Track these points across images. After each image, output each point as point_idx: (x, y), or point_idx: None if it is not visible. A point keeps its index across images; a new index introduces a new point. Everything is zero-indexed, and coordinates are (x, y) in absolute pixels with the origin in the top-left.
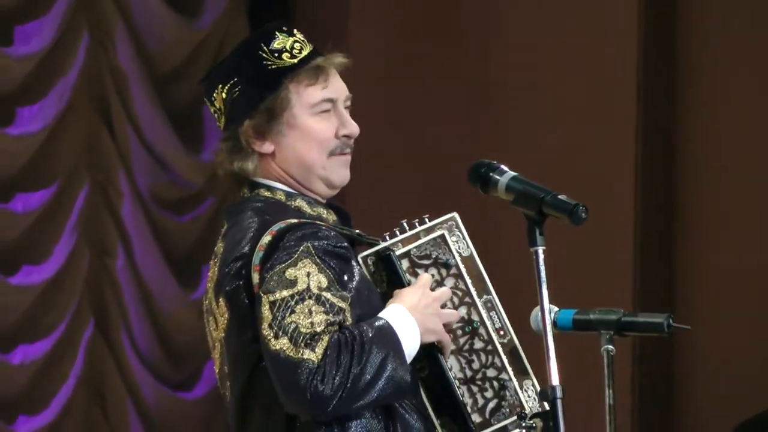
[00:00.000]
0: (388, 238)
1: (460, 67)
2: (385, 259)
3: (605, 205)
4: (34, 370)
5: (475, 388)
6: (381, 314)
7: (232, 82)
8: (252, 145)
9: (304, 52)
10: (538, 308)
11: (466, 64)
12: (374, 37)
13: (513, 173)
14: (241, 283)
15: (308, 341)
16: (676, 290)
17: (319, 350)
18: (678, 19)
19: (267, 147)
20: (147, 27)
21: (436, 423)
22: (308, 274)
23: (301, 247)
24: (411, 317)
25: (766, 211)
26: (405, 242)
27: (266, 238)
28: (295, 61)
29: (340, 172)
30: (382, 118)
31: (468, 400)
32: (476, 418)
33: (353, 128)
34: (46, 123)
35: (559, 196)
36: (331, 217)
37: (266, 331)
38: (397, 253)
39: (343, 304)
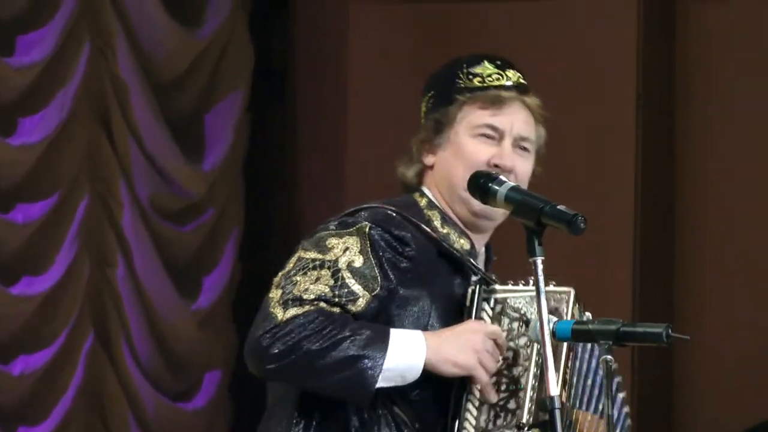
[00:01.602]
0: (511, 284)
1: None
2: (474, 297)
3: (604, 216)
4: (34, 380)
5: None
6: (392, 329)
7: (430, 94)
8: (420, 155)
9: (498, 83)
10: (537, 318)
11: None
12: (376, 48)
13: (512, 183)
14: None
15: (288, 301)
16: (675, 300)
17: (290, 313)
18: (677, 26)
19: (429, 159)
20: (148, 37)
21: None
22: (345, 249)
23: (359, 224)
24: (422, 342)
25: (761, 220)
26: (510, 291)
27: (346, 212)
28: (482, 85)
29: None
30: (380, 126)
31: None
32: None
33: (508, 161)
34: (47, 133)
35: (558, 207)
36: (461, 244)
37: (276, 278)
38: (498, 296)
39: (360, 291)
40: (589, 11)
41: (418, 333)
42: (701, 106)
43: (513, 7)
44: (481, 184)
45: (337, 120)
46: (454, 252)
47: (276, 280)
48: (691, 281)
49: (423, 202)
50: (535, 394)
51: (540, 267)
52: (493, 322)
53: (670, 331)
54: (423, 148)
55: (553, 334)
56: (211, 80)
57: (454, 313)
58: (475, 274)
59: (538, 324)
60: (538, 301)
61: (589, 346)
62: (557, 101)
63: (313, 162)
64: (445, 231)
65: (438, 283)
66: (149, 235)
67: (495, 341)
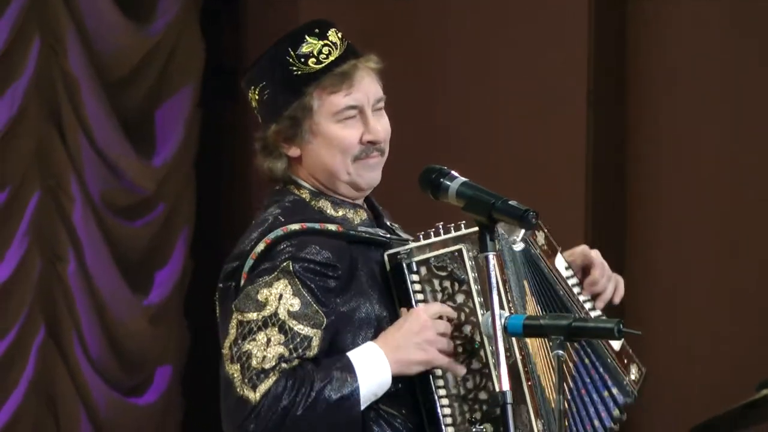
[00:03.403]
0: (422, 238)
1: (412, 71)
2: (398, 268)
3: (556, 212)
4: None
5: (465, 407)
6: (351, 354)
7: (261, 85)
8: (280, 148)
9: (332, 57)
10: (489, 313)
11: (418, 69)
12: None
13: (463, 179)
14: (231, 285)
15: (253, 377)
16: (626, 297)
17: (261, 390)
18: (628, 21)
19: (294, 151)
20: (99, 33)
21: None
22: (280, 297)
23: (282, 265)
24: (383, 356)
25: (710, 217)
26: (431, 248)
27: (260, 247)
28: (320, 67)
29: (366, 176)
30: None
31: (458, 418)
32: None
33: (378, 134)
34: None
35: (510, 202)
36: (359, 217)
37: (226, 350)
38: (418, 258)
39: (311, 332)
40: (540, 7)
41: (375, 348)
42: (653, 102)
43: (466, 2)
44: (433, 179)
45: None
46: (362, 234)
47: (225, 352)
48: (643, 275)
49: (305, 196)
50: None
51: (492, 262)
52: (424, 287)
53: (621, 326)
54: (280, 140)
55: (505, 329)
56: (161, 76)
57: (389, 288)
58: (387, 241)
59: (490, 319)
60: (491, 296)
61: (506, 251)
62: (508, 98)
63: None
64: (341, 214)
65: (364, 274)
66: (100, 230)
67: (443, 317)
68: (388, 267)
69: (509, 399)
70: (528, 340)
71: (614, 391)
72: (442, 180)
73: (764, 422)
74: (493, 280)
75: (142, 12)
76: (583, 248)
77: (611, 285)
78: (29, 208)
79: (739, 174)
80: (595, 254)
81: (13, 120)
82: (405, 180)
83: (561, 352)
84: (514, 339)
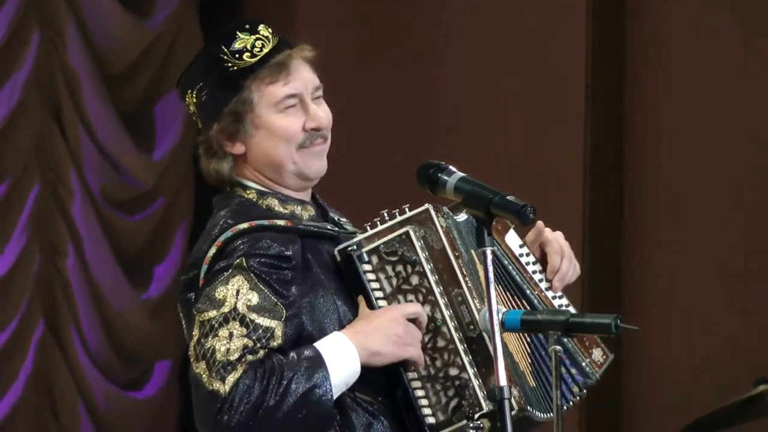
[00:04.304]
0: (369, 228)
1: (411, 69)
2: (349, 261)
3: (553, 208)
4: None
5: (438, 386)
6: (318, 343)
7: (198, 86)
8: (224, 147)
9: (266, 50)
10: (486, 309)
11: (417, 67)
12: (324, 40)
13: (461, 174)
14: (192, 295)
15: (220, 370)
16: (623, 294)
17: (230, 381)
18: (626, 17)
19: (238, 148)
20: (98, 26)
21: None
22: (237, 293)
23: (236, 262)
24: (351, 345)
25: (708, 214)
26: (379, 235)
27: (212, 251)
28: (255, 60)
29: (312, 164)
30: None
31: (432, 398)
32: (440, 416)
33: (320, 120)
34: None
35: (508, 197)
36: (307, 213)
37: (191, 351)
38: (368, 248)
39: (272, 323)
40: (539, 5)
41: (343, 338)
42: (651, 100)
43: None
44: (430, 174)
45: None
46: (311, 228)
47: (191, 353)
48: (641, 274)
49: (251, 196)
50: (464, 345)
51: (489, 258)
52: (378, 275)
53: (619, 321)
54: (223, 139)
55: (503, 324)
56: (161, 70)
57: (344, 280)
58: (336, 235)
59: (488, 314)
60: (488, 291)
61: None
62: (506, 95)
63: None
64: (288, 210)
65: (318, 265)
66: (100, 224)
67: (416, 319)
68: (339, 260)
69: (506, 394)
70: None
71: (572, 371)
72: (440, 175)
73: (761, 418)
74: (490, 275)
75: (142, 5)
76: (537, 225)
77: (571, 271)
78: (29, 201)
79: (738, 172)
80: (553, 236)
81: (13, 113)
82: (404, 177)
83: (558, 347)
84: (475, 310)
